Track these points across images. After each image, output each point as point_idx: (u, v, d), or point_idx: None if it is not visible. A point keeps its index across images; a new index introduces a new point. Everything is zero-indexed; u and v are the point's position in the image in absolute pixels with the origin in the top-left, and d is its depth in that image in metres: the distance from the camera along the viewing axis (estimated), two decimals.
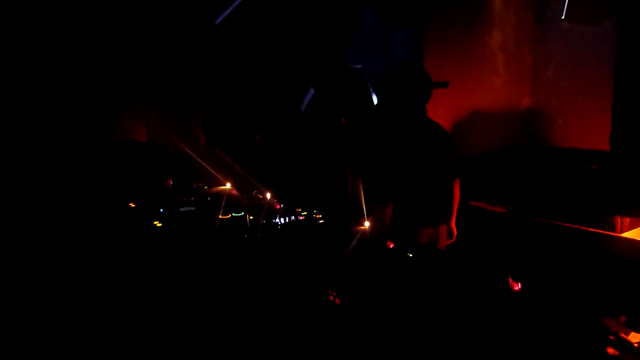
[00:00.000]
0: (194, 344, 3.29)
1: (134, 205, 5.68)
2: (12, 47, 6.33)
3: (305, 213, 4.74)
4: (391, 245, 3.45)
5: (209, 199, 5.70)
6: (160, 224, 4.90)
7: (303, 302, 3.22)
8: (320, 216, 4.68)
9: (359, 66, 6.95)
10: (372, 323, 2.80)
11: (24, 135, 6.53)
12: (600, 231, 4.53)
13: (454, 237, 4.21)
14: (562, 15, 5.47)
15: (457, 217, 4.21)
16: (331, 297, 3.08)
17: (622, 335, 2.52)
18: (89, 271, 4.49)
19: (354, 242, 3.63)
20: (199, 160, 7.08)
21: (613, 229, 4.58)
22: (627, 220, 4.63)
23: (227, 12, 7.25)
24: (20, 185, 6.21)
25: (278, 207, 4.96)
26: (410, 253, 3.32)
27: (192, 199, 5.71)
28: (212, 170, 6.73)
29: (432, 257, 3.48)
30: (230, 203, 5.12)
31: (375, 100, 6.76)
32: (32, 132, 6.60)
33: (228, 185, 6.46)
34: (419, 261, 3.30)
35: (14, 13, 6.31)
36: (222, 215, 4.70)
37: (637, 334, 2.57)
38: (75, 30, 6.94)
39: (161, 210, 5.22)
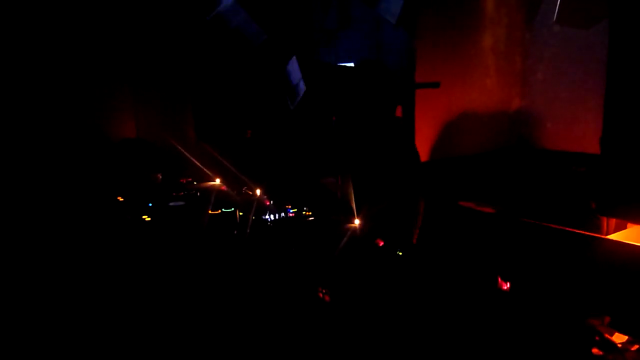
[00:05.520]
0: (183, 339, 3.27)
1: (122, 200, 5.64)
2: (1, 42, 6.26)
3: (296, 210, 4.74)
4: (381, 244, 3.46)
5: (198, 194, 5.68)
6: (149, 219, 4.88)
7: (293, 300, 3.22)
8: (310, 213, 4.68)
9: (351, 64, 6.94)
10: (362, 321, 2.81)
11: (12, 131, 6.46)
12: (587, 233, 4.58)
13: None
14: (553, 19, 5.51)
15: (443, 218, 4.18)
16: (321, 295, 3.09)
17: (607, 335, 2.56)
18: (77, 265, 4.45)
19: (344, 239, 3.64)
20: (189, 155, 7.04)
21: (599, 231, 4.63)
22: (613, 222, 4.69)
23: (219, 7, 7.20)
24: (8, 180, 6.14)
25: (268, 203, 4.95)
26: (400, 251, 3.34)
27: (182, 193, 5.68)
28: (201, 166, 6.70)
29: (422, 256, 3.49)
30: (220, 198, 5.10)
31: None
32: (20, 128, 6.53)
33: (218, 181, 6.43)
34: (409, 260, 3.31)
35: (2, 7, 6.23)
36: (211, 211, 4.68)
37: (621, 335, 2.61)
38: (65, 26, 6.87)
39: (150, 204, 5.20)
